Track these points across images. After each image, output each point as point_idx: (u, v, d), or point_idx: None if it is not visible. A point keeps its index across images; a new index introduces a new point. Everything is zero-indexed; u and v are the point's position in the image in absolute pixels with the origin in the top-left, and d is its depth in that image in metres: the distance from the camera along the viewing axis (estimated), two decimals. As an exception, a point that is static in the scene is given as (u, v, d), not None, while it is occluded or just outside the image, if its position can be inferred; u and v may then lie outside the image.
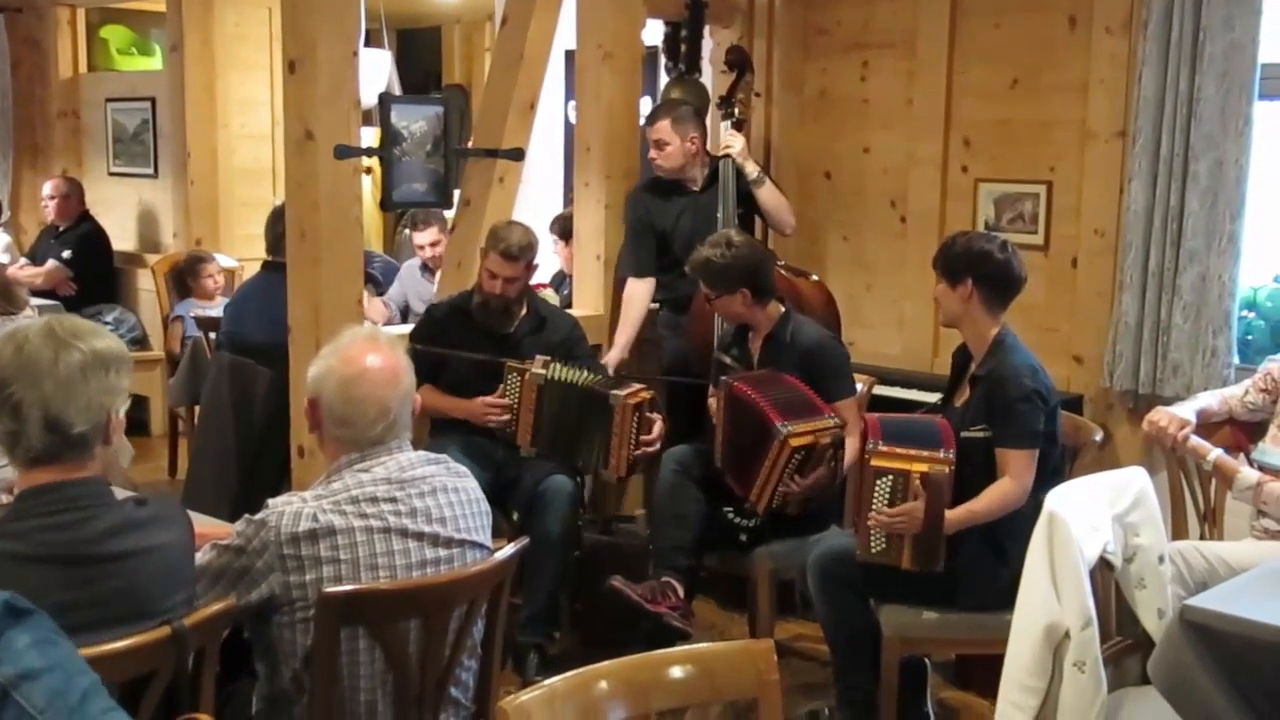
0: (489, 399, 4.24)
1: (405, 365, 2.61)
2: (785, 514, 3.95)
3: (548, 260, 5.64)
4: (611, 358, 4.84)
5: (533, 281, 4.56)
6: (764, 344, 4.19)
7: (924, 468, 3.39)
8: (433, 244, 5.98)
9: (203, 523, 2.65)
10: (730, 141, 4.93)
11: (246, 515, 2.47)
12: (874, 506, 3.43)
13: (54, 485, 2.14)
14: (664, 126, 4.92)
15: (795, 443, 3.79)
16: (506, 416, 4.23)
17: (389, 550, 2.48)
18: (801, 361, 4.08)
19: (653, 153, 4.95)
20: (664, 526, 4.11)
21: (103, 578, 2.14)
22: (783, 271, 4.75)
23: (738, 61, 5.18)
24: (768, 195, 4.96)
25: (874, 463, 3.45)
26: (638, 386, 4.25)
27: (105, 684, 1.68)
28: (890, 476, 3.42)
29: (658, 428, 4.22)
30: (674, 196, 5.00)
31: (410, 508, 2.52)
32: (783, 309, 4.21)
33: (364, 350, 2.58)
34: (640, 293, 4.98)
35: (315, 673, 2.43)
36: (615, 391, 4.16)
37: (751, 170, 4.93)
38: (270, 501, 2.48)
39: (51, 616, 1.76)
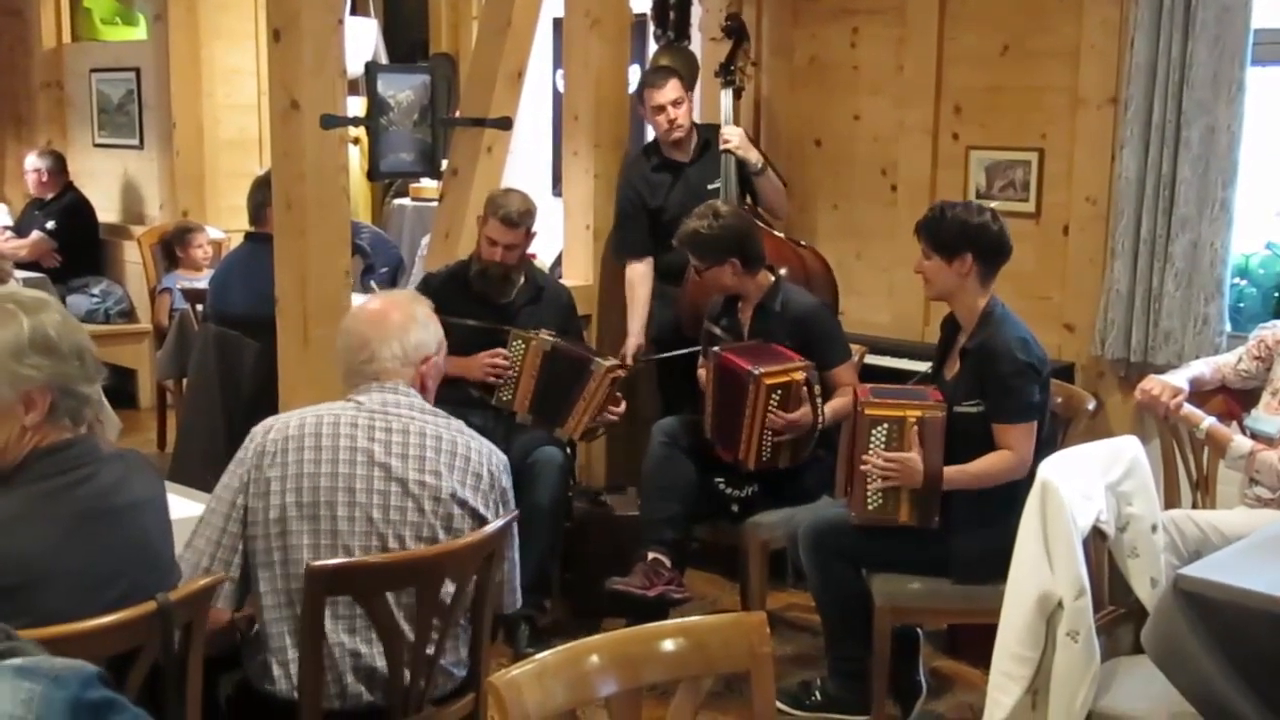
0: (489, 355, 4.23)
1: (406, 317, 2.71)
2: (776, 469, 3.96)
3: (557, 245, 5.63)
4: (630, 346, 4.86)
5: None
6: (754, 313, 4.17)
7: (918, 413, 3.43)
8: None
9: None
10: (728, 136, 4.87)
11: None
12: (870, 451, 3.45)
13: (65, 443, 2.11)
14: (676, 85, 4.85)
15: (769, 381, 3.82)
16: (509, 370, 4.23)
17: (352, 473, 2.53)
18: (793, 330, 4.07)
19: (672, 113, 4.83)
20: (651, 499, 4.12)
21: (120, 529, 2.14)
22: (786, 240, 4.76)
23: (735, 29, 5.11)
24: (767, 185, 4.93)
25: (868, 412, 3.49)
26: (619, 362, 4.36)
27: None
28: (886, 424, 3.46)
29: (621, 407, 4.32)
30: (664, 172, 4.96)
31: (377, 439, 2.57)
32: (773, 278, 4.18)
33: (375, 299, 2.87)
34: (641, 274, 4.97)
35: (304, 648, 2.42)
36: (599, 359, 4.23)
37: (756, 161, 4.88)
38: None
39: (81, 574, 1.90)
